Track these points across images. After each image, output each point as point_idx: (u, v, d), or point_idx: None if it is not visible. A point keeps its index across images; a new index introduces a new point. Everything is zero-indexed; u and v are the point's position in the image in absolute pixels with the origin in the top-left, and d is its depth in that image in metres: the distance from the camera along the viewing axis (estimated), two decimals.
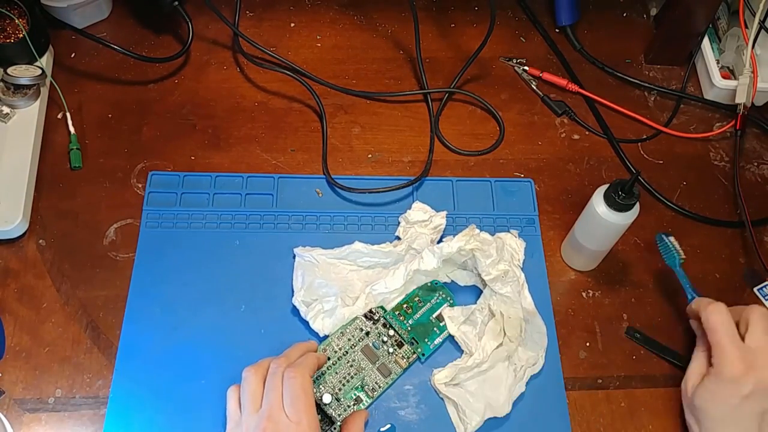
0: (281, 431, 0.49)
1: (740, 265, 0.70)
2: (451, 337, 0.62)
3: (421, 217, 0.67)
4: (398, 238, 0.67)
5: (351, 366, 0.60)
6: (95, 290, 0.63)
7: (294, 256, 0.65)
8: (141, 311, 0.62)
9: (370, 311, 0.62)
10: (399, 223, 0.68)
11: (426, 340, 0.62)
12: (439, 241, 0.66)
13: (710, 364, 0.55)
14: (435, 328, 0.62)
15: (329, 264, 0.64)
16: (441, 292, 0.64)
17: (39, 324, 0.61)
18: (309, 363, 0.54)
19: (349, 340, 0.61)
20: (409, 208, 0.68)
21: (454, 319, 0.62)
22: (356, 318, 0.62)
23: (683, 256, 0.63)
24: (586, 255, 0.66)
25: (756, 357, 0.52)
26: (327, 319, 0.61)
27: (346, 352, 0.61)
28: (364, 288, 0.63)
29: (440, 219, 0.67)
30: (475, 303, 0.63)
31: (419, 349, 0.61)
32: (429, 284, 0.64)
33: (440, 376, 0.59)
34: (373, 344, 0.61)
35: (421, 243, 0.64)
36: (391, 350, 0.61)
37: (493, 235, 0.65)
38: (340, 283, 0.63)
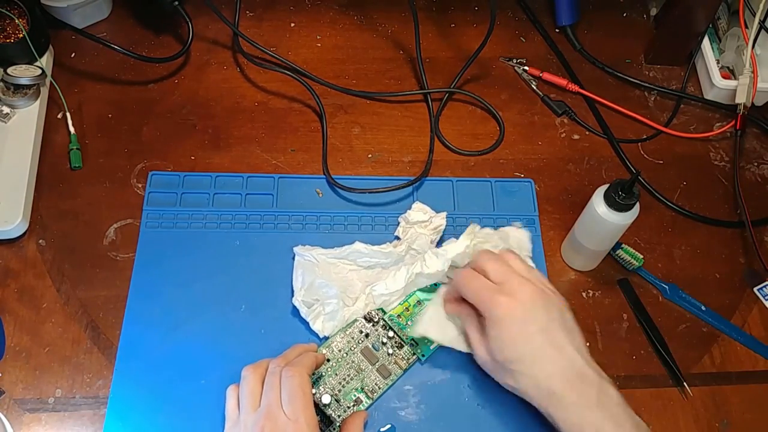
0: (279, 429, 0.49)
1: (740, 265, 0.70)
2: None
3: (421, 218, 0.67)
4: (398, 238, 0.67)
5: (351, 367, 0.60)
6: (95, 290, 0.63)
7: (294, 256, 0.64)
8: (141, 311, 0.62)
9: (370, 313, 0.62)
10: (399, 223, 0.68)
11: (425, 341, 0.62)
12: (439, 242, 0.66)
13: (480, 323, 0.56)
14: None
15: (329, 264, 0.64)
16: None
17: (39, 324, 0.61)
18: (307, 362, 0.54)
19: (349, 342, 0.61)
20: (409, 209, 0.68)
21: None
22: (356, 320, 0.62)
23: (641, 258, 0.66)
24: (586, 255, 0.66)
25: (506, 286, 0.54)
26: (328, 322, 0.61)
27: (346, 354, 0.61)
28: (364, 288, 0.63)
29: (440, 220, 0.67)
30: None
31: (419, 351, 0.61)
32: (429, 285, 0.64)
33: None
34: (372, 346, 0.61)
35: (421, 244, 0.64)
36: (390, 352, 0.61)
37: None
38: (340, 283, 0.63)
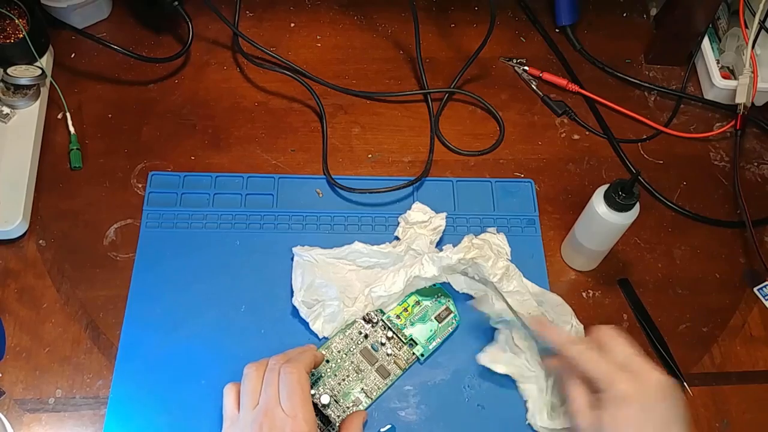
0: (277, 426, 0.50)
1: (740, 265, 0.70)
2: (449, 337, 0.62)
3: (420, 218, 0.67)
4: (398, 238, 0.67)
5: (350, 368, 0.60)
6: (95, 290, 0.63)
7: (293, 257, 0.64)
8: (141, 311, 0.62)
9: (369, 314, 0.62)
10: (398, 223, 0.68)
11: (425, 341, 0.62)
12: (439, 243, 0.66)
13: (589, 393, 0.52)
14: (433, 330, 0.62)
15: (328, 264, 0.64)
16: (439, 294, 0.64)
17: (39, 324, 0.61)
18: (305, 359, 0.54)
19: (348, 342, 0.61)
20: (409, 209, 0.68)
21: (499, 361, 0.60)
22: (355, 321, 0.62)
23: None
24: (586, 255, 0.66)
25: (631, 366, 0.51)
26: (327, 323, 0.61)
27: (345, 355, 0.61)
28: (363, 289, 0.63)
29: (440, 220, 0.67)
30: (492, 324, 0.62)
31: (418, 351, 0.61)
32: (427, 287, 0.64)
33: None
34: (372, 346, 0.61)
35: (421, 244, 0.64)
36: (389, 352, 0.61)
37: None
38: (339, 284, 0.63)
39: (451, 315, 0.63)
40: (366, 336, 0.62)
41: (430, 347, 0.62)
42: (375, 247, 0.64)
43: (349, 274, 0.64)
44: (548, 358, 0.58)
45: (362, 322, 0.62)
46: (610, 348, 0.53)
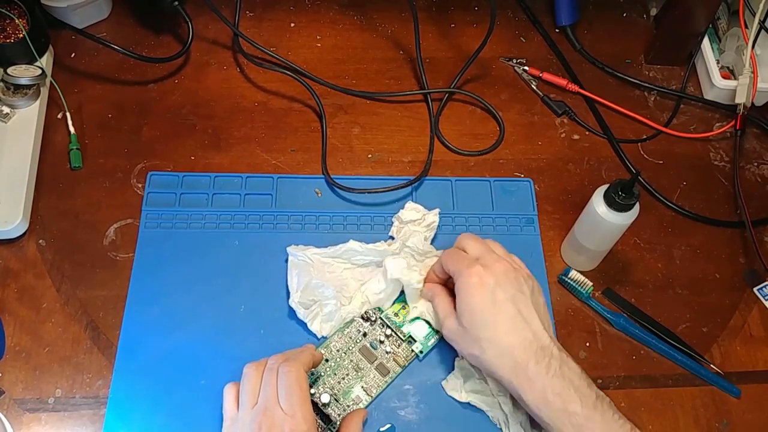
0: (276, 424, 0.50)
1: (740, 265, 0.70)
2: None
3: (414, 216, 0.67)
4: (392, 237, 0.67)
5: (349, 366, 0.60)
6: (95, 290, 0.63)
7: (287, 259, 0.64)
8: (141, 311, 0.62)
9: (367, 312, 0.62)
10: (392, 223, 0.68)
11: (423, 338, 0.62)
12: (435, 240, 0.67)
13: (451, 299, 0.59)
14: (432, 327, 0.62)
15: (323, 263, 0.63)
16: None
17: (39, 324, 0.61)
18: (304, 358, 0.54)
19: (347, 341, 0.61)
20: (402, 209, 0.68)
21: (460, 389, 0.60)
22: (353, 319, 0.62)
23: (591, 285, 0.65)
24: (586, 255, 0.66)
25: (483, 260, 0.56)
26: (325, 323, 0.61)
27: (344, 353, 0.61)
28: (359, 287, 0.63)
29: (433, 216, 0.67)
30: None
31: (417, 348, 0.61)
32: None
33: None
34: (370, 344, 0.61)
35: (415, 241, 0.64)
36: (388, 350, 0.61)
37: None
38: (335, 283, 0.62)
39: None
40: (365, 334, 0.62)
41: (429, 344, 0.62)
42: (370, 246, 0.64)
43: (344, 272, 0.64)
44: (423, 287, 0.62)
45: (360, 320, 0.62)
46: (467, 247, 0.59)
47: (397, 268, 0.60)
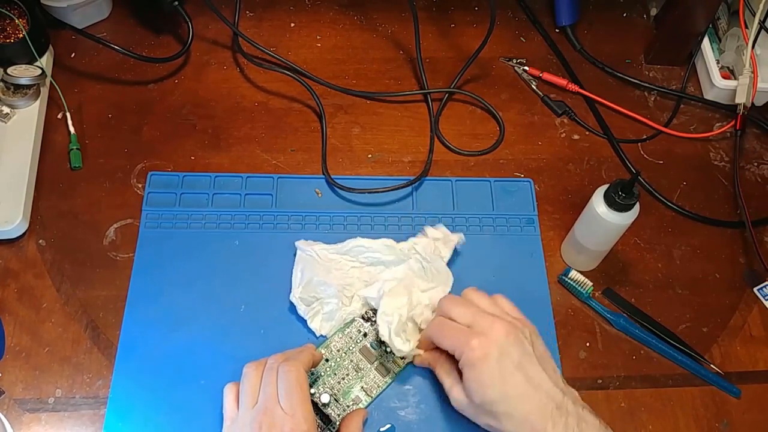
0: (276, 424, 0.50)
1: (740, 265, 0.70)
2: None
3: (437, 235, 0.65)
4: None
5: (350, 366, 0.60)
6: (95, 290, 0.63)
7: (295, 253, 0.64)
8: (141, 311, 0.62)
9: (368, 312, 0.62)
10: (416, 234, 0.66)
11: None
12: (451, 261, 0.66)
13: (453, 368, 0.56)
14: None
15: (330, 259, 0.63)
16: None
17: (39, 324, 0.61)
18: (303, 358, 0.54)
19: (347, 341, 0.61)
20: (428, 228, 0.66)
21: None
22: (354, 320, 0.62)
23: (591, 285, 0.65)
24: (586, 255, 0.66)
25: (477, 327, 0.53)
26: (325, 322, 0.61)
27: (345, 353, 0.61)
28: (363, 286, 0.63)
29: (456, 237, 0.66)
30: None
31: (417, 349, 0.61)
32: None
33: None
34: (371, 345, 0.61)
35: (426, 248, 0.63)
36: (389, 350, 0.61)
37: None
38: (339, 282, 0.62)
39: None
40: (365, 334, 0.62)
41: None
42: (378, 242, 0.64)
43: (351, 270, 0.64)
44: (418, 357, 0.60)
45: (361, 320, 0.62)
46: (453, 315, 0.55)
47: (384, 330, 0.58)
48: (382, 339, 0.58)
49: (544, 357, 0.54)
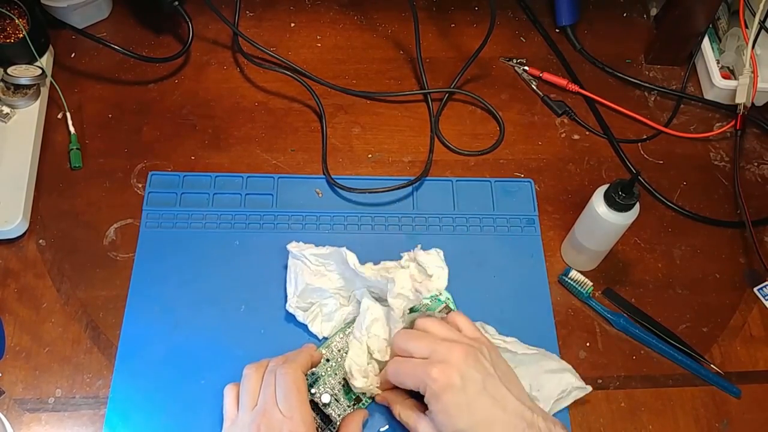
0: (275, 426, 0.50)
1: (740, 265, 0.70)
2: None
3: (428, 263, 0.60)
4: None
5: None
6: (95, 290, 0.63)
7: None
8: (141, 311, 0.62)
9: None
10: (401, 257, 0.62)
11: None
12: (436, 244, 0.66)
13: (416, 403, 0.54)
14: None
15: (321, 263, 0.62)
16: (438, 292, 0.64)
17: (39, 324, 0.61)
18: (302, 359, 0.54)
19: (348, 341, 0.61)
20: (422, 251, 0.61)
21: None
22: (355, 320, 0.62)
23: (591, 285, 0.65)
24: (586, 255, 0.66)
25: (435, 356, 0.52)
26: (326, 323, 0.61)
27: (345, 354, 0.60)
28: (359, 286, 0.63)
29: (440, 282, 0.59)
30: None
31: None
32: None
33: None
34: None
35: (405, 284, 0.58)
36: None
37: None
38: (332, 285, 0.62)
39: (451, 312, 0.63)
40: None
41: None
42: (359, 267, 0.60)
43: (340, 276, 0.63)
44: (378, 396, 0.58)
45: None
46: (410, 350, 0.53)
47: (346, 363, 0.57)
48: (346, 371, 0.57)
49: (506, 374, 0.53)
